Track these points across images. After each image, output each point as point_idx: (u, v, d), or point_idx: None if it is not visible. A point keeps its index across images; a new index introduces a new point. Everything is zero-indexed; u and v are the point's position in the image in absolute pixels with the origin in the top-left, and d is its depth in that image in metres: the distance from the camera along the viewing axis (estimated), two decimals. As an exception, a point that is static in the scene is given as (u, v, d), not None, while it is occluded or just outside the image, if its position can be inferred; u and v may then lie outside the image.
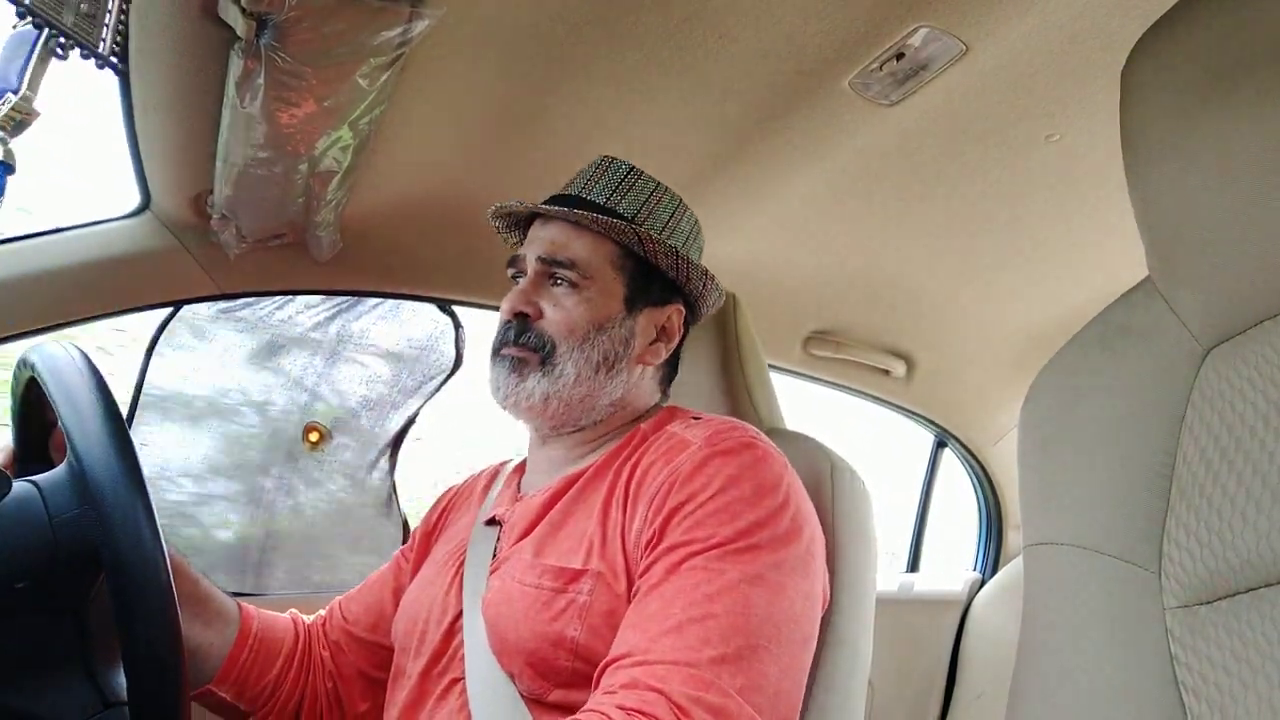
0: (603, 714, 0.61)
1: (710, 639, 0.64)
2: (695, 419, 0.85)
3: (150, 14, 0.81)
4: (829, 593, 0.83)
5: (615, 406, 0.89)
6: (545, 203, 0.90)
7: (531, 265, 0.88)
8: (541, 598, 0.74)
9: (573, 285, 0.86)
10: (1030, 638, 0.61)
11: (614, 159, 0.94)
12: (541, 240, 0.89)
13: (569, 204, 0.88)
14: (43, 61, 0.69)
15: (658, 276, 0.90)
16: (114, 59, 0.69)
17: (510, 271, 0.92)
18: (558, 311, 0.86)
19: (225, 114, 0.95)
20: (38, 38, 0.67)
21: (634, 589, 0.72)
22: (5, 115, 0.67)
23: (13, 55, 0.68)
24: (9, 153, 0.69)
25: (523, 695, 0.73)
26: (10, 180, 0.73)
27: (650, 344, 0.90)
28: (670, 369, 0.97)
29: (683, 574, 0.68)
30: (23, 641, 0.65)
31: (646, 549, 0.72)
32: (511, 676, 0.74)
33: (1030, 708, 0.59)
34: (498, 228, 0.98)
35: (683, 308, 0.93)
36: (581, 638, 0.71)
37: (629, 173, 0.92)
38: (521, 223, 0.96)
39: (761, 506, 0.72)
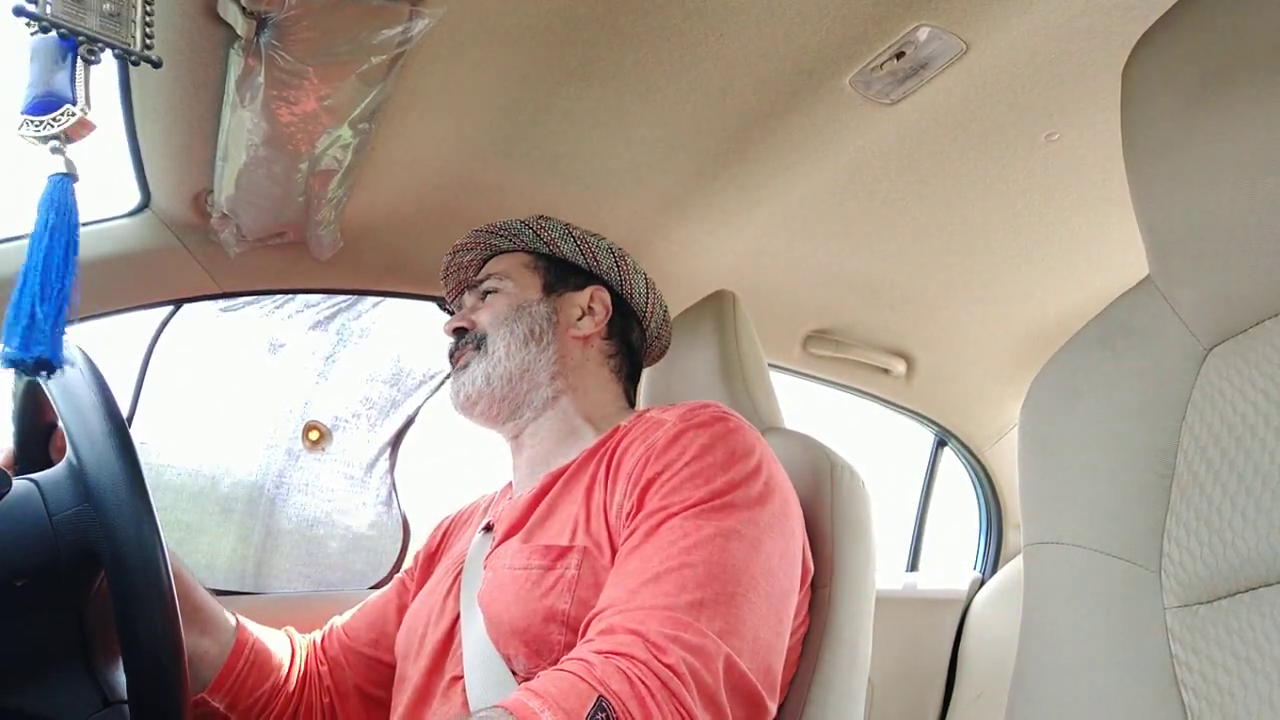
0: (581, 659, 0.61)
1: (687, 585, 0.65)
2: (671, 406, 0.88)
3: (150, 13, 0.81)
4: (812, 563, 0.84)
5: (560, 381, 0.95)
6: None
7: (466, 297, 1.05)
8: (531, 577, 0.76)
9: (495, 291, 1.00)
10: (1030, 637, 0.61)
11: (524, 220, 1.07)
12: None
13: None
14: (87, 69, 0.69)
15: (571, 269, 1.02)
16: (149, 53, 0.69)
17: None
18: (486, 312, 0.99)
19: (225, 113, 0.94)
20: (75, 43, 0.67)
21: (616, 557, 0.73)
22: (70, 127, 0.67)
23: (52, 62, 0.68)
24: (70, 163, 0.69)
25: (522, 678, 0.74)
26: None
27: (577, 320, 0.99)
28: (628, 365, 1.03)
29: (660, 534, 0.70)
30: (23, 639, 0.65)
31: (628, 519, 0.74)
32: (509, 660, 0.75)
33: (1030, 707, 0.59)
34: (450, 307, 1.15)
35: (603, 289, 1.01)
36: (572, 610, 0.73)
37: (540, 217, 1.04)
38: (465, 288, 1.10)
39: (734, 470, 0.74)
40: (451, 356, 1.00)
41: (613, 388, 1.00)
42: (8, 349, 0.64)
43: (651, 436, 0.79)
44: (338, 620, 1.03)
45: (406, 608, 0.99)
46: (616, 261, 1.01)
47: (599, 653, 0.61)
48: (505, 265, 1.03)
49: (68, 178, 0.68)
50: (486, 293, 1.01)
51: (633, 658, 0.60)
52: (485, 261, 1.08)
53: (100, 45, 0.66)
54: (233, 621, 0.90)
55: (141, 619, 0.61)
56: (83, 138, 0.68)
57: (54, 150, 0.67)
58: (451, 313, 1.55)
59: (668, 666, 0.60)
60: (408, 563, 1.15)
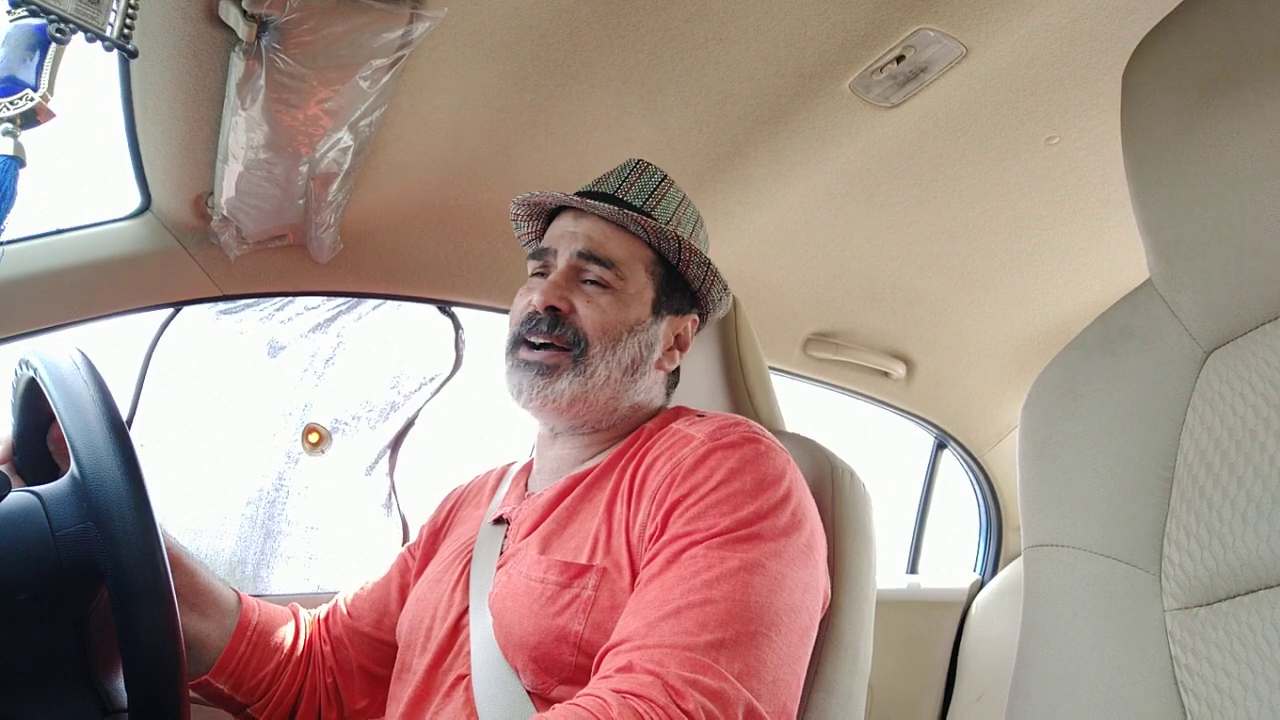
0: (598, 698, 0.60)
1: (708, 624, 0.64)
2: (699, 416, 0.86)
3: (151, 16, 0.81)
4: (829, 591, 0.83)
5: (632, 409, 0.90)
6: (588, 199, 0.88)
7: (565, 259, 0.86)
8: (547, 592, 0.75)
9: (605, 285, 0.85)
10: (1030, 639, 0.61)
11: (648, 163, 0.93)
12: (578, 235, 0.87)
13: (607, 202, 0.87)
14: (56, 59, 0.68)
15: (681, 286, 0.91)
16: (125, 43, 0.69)
17: (533, 265, 0.90)
18: (592, 309, 0.84)
19: (226, 116, 0.95)
20: (46, 29, 0.67)
21: (637, 581, 0.72)
22: (23, 112, 0.67)
23: (23, 49, 0.68)
24: (19, 147, 0.68)
25: (527, 691, 0.73)
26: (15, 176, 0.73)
27: (667, 351, 0.91)
28: (674, 376, 0.98)
29: (683, 562, 0.68)
30: (23, 651, 0.65)
31: (650, 542, 0.73)
32: (516, 671, 0.74)
33: (1030, 709, 0.59)
34: (515, 216, 0.96)
35: (697, 319, 0.94)
36: (585, 633, 0.71)
37: (662, 180, 0.92)
38: (539, 215, 0.95)
39: (762, 498, 0.72)
40: (526, 334, 0.85)
41: (663, 399, 0.96)
42: None
43: (678, 454, 0.77)
44: (341, 596, 1.02)
45: (409, 587, 0.98)
46: (721, 295, 0.93)
47: (617, 692, 0.60)
48: (625, 255, 0.86)
49: (14, 160, 0.67)
50: (591, 276, 0.85)
51: (651, 701, 0.59)
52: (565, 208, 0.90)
53: (71, 26, 0.65)
54: (236, 602, 0.90)
55: (145, 640, 0.61)
56: (43, 123, 0.68)
57: (5, 133, 0.66)
58: (446, 308, 1.56)
59: (686, 713, 0.59)
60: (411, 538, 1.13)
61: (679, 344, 0.92)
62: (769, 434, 0.80)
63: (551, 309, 0.84)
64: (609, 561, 0.74)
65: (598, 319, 0.84)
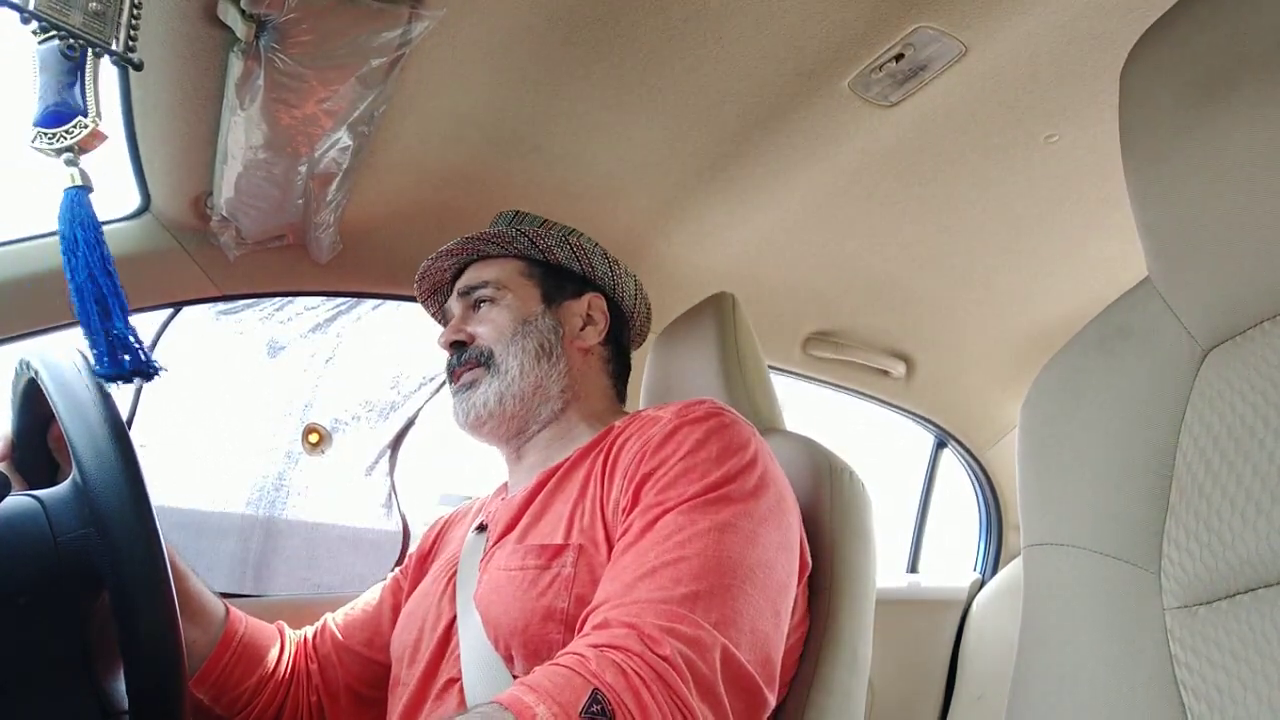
0: (576, 654, 0.61)
1: (683, 579, 0.65)
2: (667, 404, 0.88)
3: (149, 16, 0.81)
4: (810, 559, 0.84)
5: (568, 393, 0.95)
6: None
7: (455, 304, 1.02)
8: (528, 577, 0.76)
9: (491, 301, 0.98)
10: (1030, 638, 0.61)
11: (502, 212, 1.08)
12: (457, 285, 1.03)
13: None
14: (94, 78, 0.68)
15: (567, 275, 1.01)
16: (131, 55, 0.69)
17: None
18: (485, 324, 0.96)
19: (225, 115, 0.95)
20: (85, 56, 0.67)
21: (613, 553, 0.73)
22: (83, 138, 0.67)
23: (61, 73, 0.67)
24: (84, 174, 0.69)
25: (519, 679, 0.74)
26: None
27: (580, 330, 0.99)
28: (620, 366, 1.04)
29: (656, 529, 0.70)
30: (23, 653, 0.65)
31: (624, 515, 0.75)
32: (508, 663, 0.75)
33: (1030, 708, 0.59)
34: (430, 312, 1.13)
35: (600, 296, 1.01)
36: (570, 609, 0.73)
37: (516, 214, 1.05)
38: (445, 293, 1.10)
39: (729, 463, 0.74)
40: (451, 372, 0.97)
41: (609, 390, 1.01)
42: (99, 369, 0.68)
43: (647, 433, 0.80)
44: (331, 617, 1.03)
45: (400, 607, 0.99)
46: (610, 266, 1.01)
47: (594, 646, 0.61)
48: (498, 273, 0.99)
49: (83, 190, 0.68)
50: (480, 302, 0.98)
51: (627, 650, 0.60)
52: (464, 266, 1.05)
53: (80, 43, 0.66)
54: (223, 612, 0.90)
55: (145, 645, 0.61)
56: (95, 148, 0.68)
57: (68, 162, 0.67)
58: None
59: (663, 658, 0.60)
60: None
61: (590, 321, 1.01)
62: (733, 410, 0.82)
63: (455, 345, 0.97)
64: (585, 539, 0.76)
65: (491, 329, 0.96)
